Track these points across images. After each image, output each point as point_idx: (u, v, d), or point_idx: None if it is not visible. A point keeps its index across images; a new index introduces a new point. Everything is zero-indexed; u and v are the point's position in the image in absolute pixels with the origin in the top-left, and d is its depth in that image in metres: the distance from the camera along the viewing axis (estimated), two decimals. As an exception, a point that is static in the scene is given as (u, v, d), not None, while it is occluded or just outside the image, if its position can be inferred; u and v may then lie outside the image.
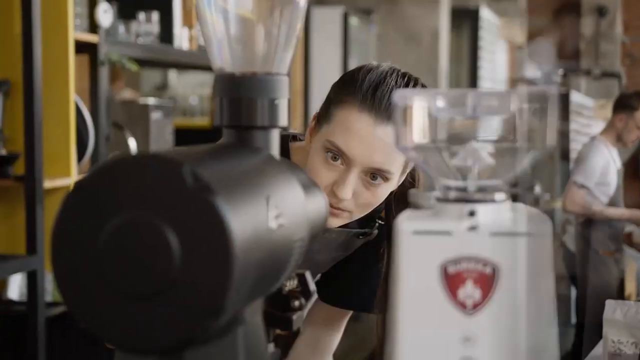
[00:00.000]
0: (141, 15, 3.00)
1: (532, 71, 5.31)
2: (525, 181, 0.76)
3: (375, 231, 1.44)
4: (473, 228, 0.68)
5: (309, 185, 0.88)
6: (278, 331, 0.94)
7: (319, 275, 1.54)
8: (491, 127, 0.73)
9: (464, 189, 0.72)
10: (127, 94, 4.16)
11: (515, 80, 8.86)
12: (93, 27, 2.67)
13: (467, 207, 0.69)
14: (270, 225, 0.68)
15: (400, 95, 0.71)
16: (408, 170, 1.33)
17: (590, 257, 4.48)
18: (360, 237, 1.44)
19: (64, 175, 2.50)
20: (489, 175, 0.73)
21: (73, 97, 2.50)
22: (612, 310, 2.05)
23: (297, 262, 0.77)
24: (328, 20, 5.01)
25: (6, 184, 2.42)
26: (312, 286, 0.89)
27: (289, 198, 0.74)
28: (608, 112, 8.45)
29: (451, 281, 0.68)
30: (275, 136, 0.82)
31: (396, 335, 0.69)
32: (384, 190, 1.28)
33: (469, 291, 0.68)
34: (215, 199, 0.61)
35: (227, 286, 0.61)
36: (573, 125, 6.77)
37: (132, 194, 0.62)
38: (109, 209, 0.62)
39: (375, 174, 1.26)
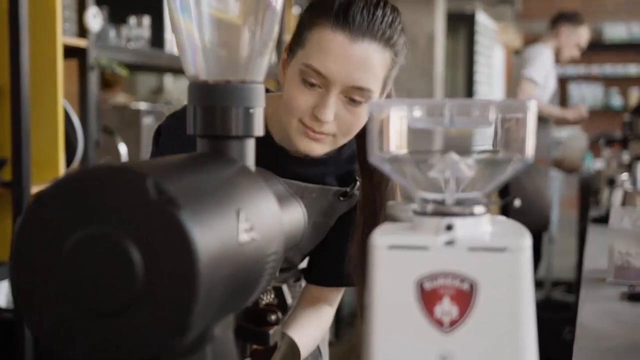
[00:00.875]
0: (132, 20, 2.98)
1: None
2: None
3: (356, 192, 1.42)
4: (450, 243, 0.66)
5: (286, 196, 0.85)
6: (255, 346, 0.92)
7: (305, 260, 1.54)
8: (470, 138, 0.71)
9: (442, 202, 0.69)
10: (121, 98, 4.13)
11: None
12: (83, 31, 2.64)
13: (445, 220, 0.67)
14: (240, 239, 0.66)
15: (375, 106, 0.69)
16: (387, 91, 1.32)
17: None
18: (342, 198, 1.42)
19: (52, 180, 2.47)
20: (469, 187, 0.70)
21: (61, 101, 2.47)
22: (619, 218, 1.93)
23: (271, 275, 0.75)
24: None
25: (-7, 190, 2.39)
26: (289, 299, 0.87)
27: (263, 210, 0.72)
28: (509, 35, 8.53)
29: (427, 298, 0.66)
30: (250, 146, 0.80)
31: (371, 352, 0.67)
32: (363, 111, 1.27)
33: (446, 308, 0.66)
34: (180, 213, 0.58)
35: (192, 303, 0.58)
36: (477, 47, 6.96)
37: (95, 206, 0.60)
38: (71, 222, 0.60)
39: (354, 96, 1.25)
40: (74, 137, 2.53)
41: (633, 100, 9.71)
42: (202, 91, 0.78)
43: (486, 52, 7.83)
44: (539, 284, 5.46)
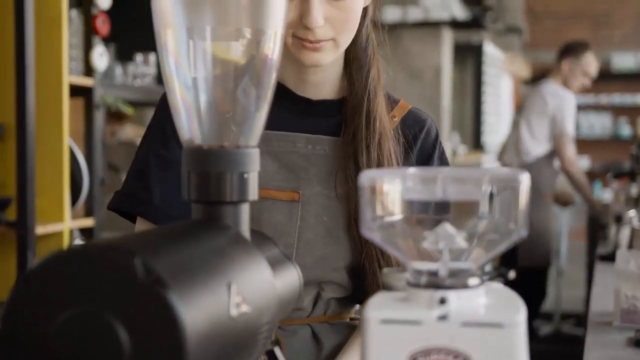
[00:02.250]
0: (138, 57, 2.99)
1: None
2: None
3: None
4: (443, 317, 0.65)
5: (280, 260, 0.85)
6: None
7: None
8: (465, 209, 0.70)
9: (435, 273, 0.69)
10: (129, 130, 4.15)
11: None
12: (89, 70, 2.66)
13: (438, 293, 0.66)
14: (231, 313, 0.65)
15: (367, 176, 0.68)
16: None
17: (535, 199, 4.48)
18: None
19: (57, 220, 2.47)
20: (463, 255, 0.70)
21: (67, 141, 2.48)
22: (625, 260, 1.90)
23: (264, 345, 0.74)
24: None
25: (-2, 230, 2.40)
26: (284, 362, 0.86)
27: (255, 281, 0.71)
28: (517, 65, 8.55)
29: (420, 373, 0.65)
30: (245, 211, 0.79)
31: None
32: (355, 1, 1.21)
33: (439, 384, 0.64)
34: (168, 293, 0.58)
35: (181, 384, 0.58)
36: (485, 77, 6.97)
37: (82, 286, 0.59)
38: (59, 302, 0.60)
39: None
40: (79, 176, 2.54)
41: (642, 129, 9.70)
42: (197, 156, 0.78)
43: (494, 82, 7.84)
44: (548, 317, 5.42)
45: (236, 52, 0.78)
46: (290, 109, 1.30)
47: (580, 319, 5.28)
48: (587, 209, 5.57)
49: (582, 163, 9.93)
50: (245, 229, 0.78)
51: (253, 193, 0.79)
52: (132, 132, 4.09)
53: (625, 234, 2.93)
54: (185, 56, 0.78)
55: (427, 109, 4.84)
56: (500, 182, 0.67)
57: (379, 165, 1.26)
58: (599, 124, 9.94)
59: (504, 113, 8.72)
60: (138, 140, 3.41)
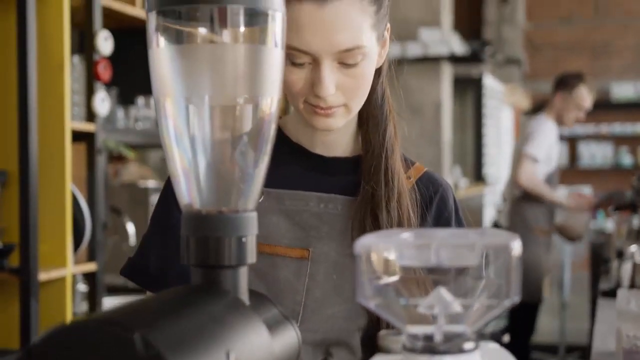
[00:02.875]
0: (140, 100, 3.02)
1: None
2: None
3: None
4: (439, 383, 0.66)
5: (279, 321, 0.85)
6: None
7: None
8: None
9: (430, 337, 0.70)
10: (132, 169, 4.17)
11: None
12: (91, 115, 2.68)
13: (434, 359, 0.67)
14: (230, 381, 0.66)
15: (362, 244, 0.70)
16: (384, 34, 1.24)
17: (522, 234, 4.50)
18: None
19: (60, 266, 2.48)
20: (458, 319, 0.71)
21: (69, 187, 2.50)
22: (626, 300, 1.88)
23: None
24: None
25: (1, 277, 2.40)
26: None
27: (253, 347, 0.73)
28: (517, 96, 8.58)
29: None
30: (243, 274, 0.81)
31: None
32: (366, 67, 1.19)
33: None
34: (167, 368, 0.59)
35: None
36: (485, 109, 6.98)
37: (84, 360, 0.60)
38: (60, 376, 0.61)
39: (346, 60, 1.16)
40: (82, 221, 2.55)
41: (644, 158, 9.73)
42: (196, 222, 0.80)
43: (494, 114, 7.88)
44: (553, 350, 5.40)
45: (234, 118, 0.80)
46: (305, 167, 1.30)
47: (585, 352, 5.26)
48: (589, 241, 5.58)
49: (583, 192, 9.95)
50: (243, 292, 0.80)
51: (251, 256, 0.81)
52: (136, 172, 4.11)
53: (627, 269, 2.94)
54: (184, 123, 0.80)
55: (427, 144, 4.84)
56: (492, 249, 0.68)
57: (399, 223, 1.25)
58: (600, 154, 9.97)
59: (505, 144, 8.75)
60: (140, 182, 3.43)
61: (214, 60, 0.78)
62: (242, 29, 0.77)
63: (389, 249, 0.70)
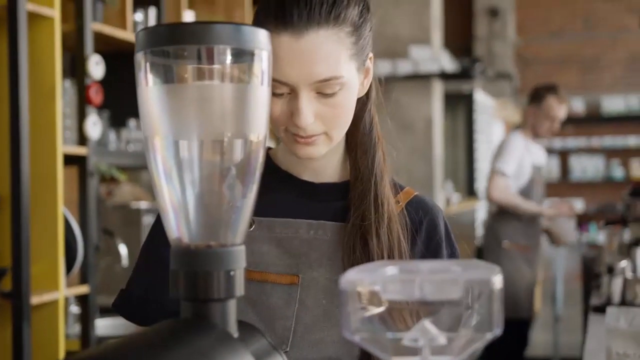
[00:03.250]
0: (131, 122, 3.04)
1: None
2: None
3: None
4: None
5: (267, 352, 0.87)
6: None
7: None
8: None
9: (416, 370, 0.71)
10: (126, 188, 4.17)
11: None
12: (83, 139, 2.70)
13: (419, 393, 0.69)
14: (219, 416, 0.68)
15: (347, 279, 0.71)
16: (366, 64, 1.25)
17: (495, 250, 4.53)
18: None
19: (53, 289, 2.49)
20: (442, 352, 0.72)
21: (61, 210, 2.51)
22: (615, 318, 1.88)
23: None
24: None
25: (-7, 301, 2.41)
26: None
27: (242, 381, 0.74)
28: (508, 111, 8.62)
29: None
30: (232, 306, 0.82)
31: None
32: (345, 97, 1.20)
33: None
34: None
35: None
36: (476, 125, 7.11)
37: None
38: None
39: (324, 90, 1.17)
40: (74, 244, 2.56)
41: (634, 171, 9.77)
42: (185, 256, 0.81)
43: (485, 129, 7.92)
44: (547, 364, 5.42)
45: (222, 155, 0.81)
46: (295, 194, 1.32)
47: (579, 365, 5.27)
48: (581, 254, 5.60)
49: (575, 205, 9.99)
50: (232, 325, 0.81)
51: (240, 289, 0.82)
52: (129, 192, 4.12)
53: (617, 284, 2.95)
54: (173, 160, 0.81)
55: (419, 160, 4.85)
56: (474, 283, 0.70)
57: (390, 249, 1.26)
58: (592, 167, 10.02)
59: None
60: (133, 203, 3.44)
61: (201, 100, 0.80)
62: (228, 68, 0.79)
63: (374, 284, 0.71)
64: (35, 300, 2.37)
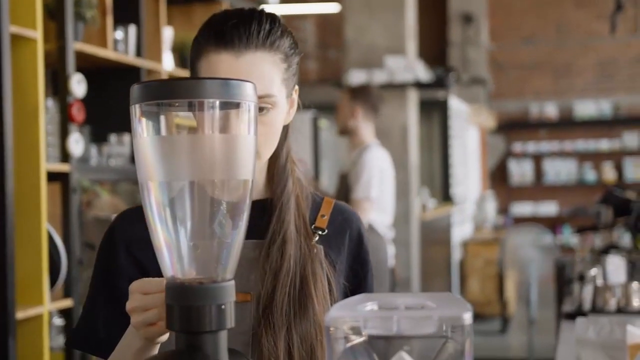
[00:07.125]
0: (113, 137, 3.08)
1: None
2: None
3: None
4: None
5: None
6: None
7: None
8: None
9: (393, 398, 0.78)
10: (105, 199, 4.19)
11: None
12: (65, 155, 2.74)
13: (395, 418, 0.76)
14: None
15: (330, 317, 0.78)
16: (295, 96, 1.33)
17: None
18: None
19: (37, 304, 2.54)
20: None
21: (45, 226, 2.55)
22: (584, 328, 1.92)
23: None
24: (298, 124, 5.13)
25: (-22, 316, 2.45)
26: None
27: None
28: (482, 116, 8.72)
29: None
30: (223, 337, 0.89)
31: None
32: (275, 117, 1.27)
33: None
34: None
35: None
36: (451, 130, 7.14)
37: None
38: None
39: (259, 102, 1.17)
40: (58, 259, 2.61)
41: (606, 174, 9.93)
42: (179, 292, 0.88)
43: (460, 135, 8.01)
44: (521, 367, 5.51)
45: (213, 199, 0.88)
46: None
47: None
48: (554, 257, 5.69)
49: (549, 208, 10.15)
50: (223, 354, 0.88)
51: (230, 321, 0.89)
52: (108, 203, 4.14)
53: (588, 292, 3.03)
54: (167, 204, 0.88)
55: (395, 168, 4.84)
56: (447, 320, 0.77)
57: (280, 267, 1.29)
58: (565, 170, 10.16)
59: (472, 164, 8.89)
60: (113, 216, 3.48)
61: (193, 149, 0.86)
62: (218, 119, 0.85)
63: (355, 321, 0.78)
64: (20, 315, 2.42)
